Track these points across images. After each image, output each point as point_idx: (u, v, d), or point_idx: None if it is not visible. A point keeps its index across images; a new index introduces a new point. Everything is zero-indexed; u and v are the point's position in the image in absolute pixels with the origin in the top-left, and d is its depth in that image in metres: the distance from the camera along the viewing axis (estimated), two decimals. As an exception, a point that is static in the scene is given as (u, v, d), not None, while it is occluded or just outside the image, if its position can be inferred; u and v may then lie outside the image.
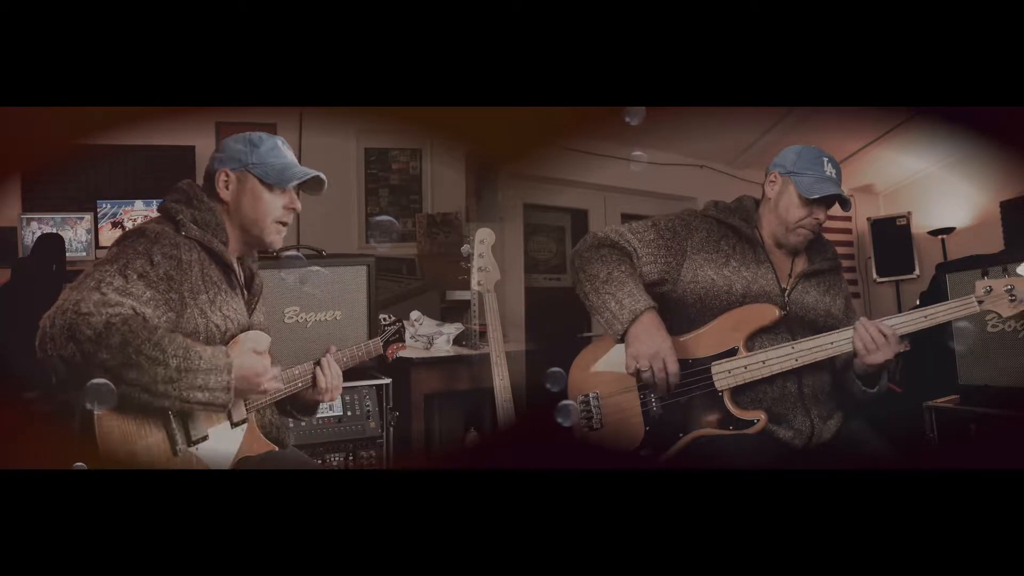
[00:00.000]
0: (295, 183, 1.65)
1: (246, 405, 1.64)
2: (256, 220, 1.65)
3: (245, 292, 1.71)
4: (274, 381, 1.58)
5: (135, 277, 1.44)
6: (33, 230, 4.30)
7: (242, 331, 1.63)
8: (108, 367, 1.34)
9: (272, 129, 4.68)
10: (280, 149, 1.67)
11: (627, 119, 1.90)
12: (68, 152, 4.03)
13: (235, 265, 1.65)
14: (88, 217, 4.44)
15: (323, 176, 1.68)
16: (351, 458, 2.54)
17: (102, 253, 4.49)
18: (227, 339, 1.58)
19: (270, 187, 1.64)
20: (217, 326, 1.56)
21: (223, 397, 1.45)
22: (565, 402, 1.86)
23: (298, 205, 1.67)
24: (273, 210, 1.65)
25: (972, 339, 1.67)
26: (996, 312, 1.72)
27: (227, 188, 1.64)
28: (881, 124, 3.76)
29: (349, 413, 2.56)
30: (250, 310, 1.71)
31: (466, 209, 4.44)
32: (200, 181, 1.68)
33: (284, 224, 1.68)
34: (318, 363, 1.76)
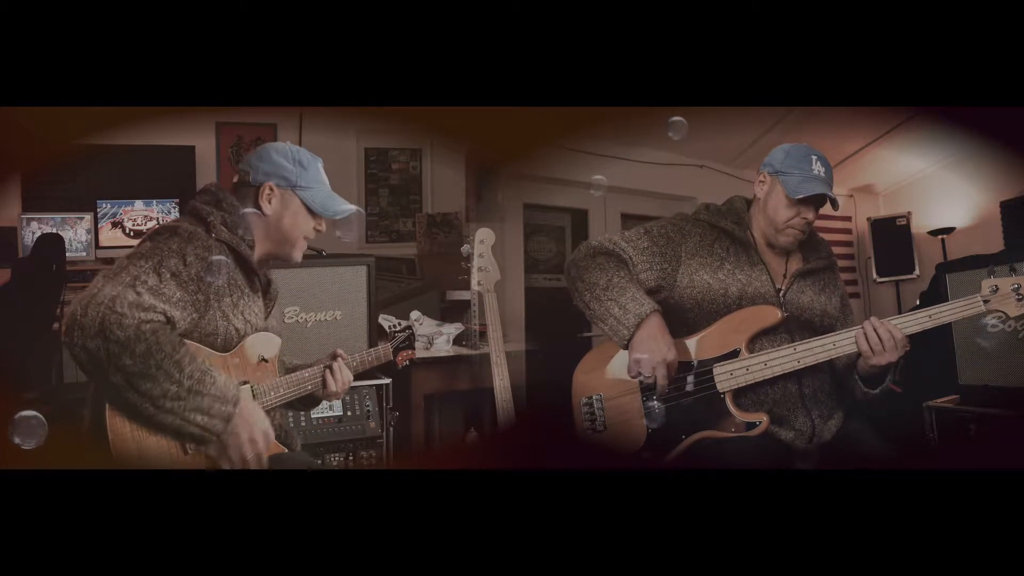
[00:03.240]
0: (338, 218, 1.71)
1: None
2: (291, 239, 1.70)
3: (262, 297, 1.73)
4: (264, 438, 1.57)
5: (168, 276, 1.46)
6: (33, 230, 4.30)
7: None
8: (128, 372, 1.37)
9: (272, 129, 4.71)
10: (321, 173, 1.73)
11: (670, 134, 1.90)
12: (68, 152, 4.03)
13: (258, 270, 1.69)
14: (88, 217, 4.44)
15: (362, 211, 1.72)
16: (351, 458, 2.54)
17: (102, 253, 4.49)
18: (242, 343, 1.62)
19: (311, 212, 1.69)
20: (237, 330, 1.60)
21: (219, 426, 1.47)
22: None
23: (323, 227, 1.73)
24: (308, 231, 1.71)
25: (999, 339, 1.66)
26: (1003, 312, 1.71)
27: (269, 203, 1.67)
28: (881, 124, 3.75)
29: (349, 413, 2.56)
30: (266, 314, 1.74)
31: (466, 209, 4.44)
32: (211, 179, 1.69)
33: (308, 241, 1.74)
34: (329, 367, 1.79)
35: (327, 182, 1.73)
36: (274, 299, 1.79)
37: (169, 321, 1.44)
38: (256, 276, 1.68)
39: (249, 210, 1.66)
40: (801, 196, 1.82)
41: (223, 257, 1.57)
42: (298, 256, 1.73)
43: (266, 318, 1.73)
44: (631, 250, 1.90)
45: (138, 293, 1.41)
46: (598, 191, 2.20)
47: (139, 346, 1.37)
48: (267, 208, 1.67)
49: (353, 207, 1.74)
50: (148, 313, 1.40)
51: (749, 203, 1.99)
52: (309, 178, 1.69)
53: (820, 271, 1.97)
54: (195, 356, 1.46)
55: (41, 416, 1.37)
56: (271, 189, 1.67)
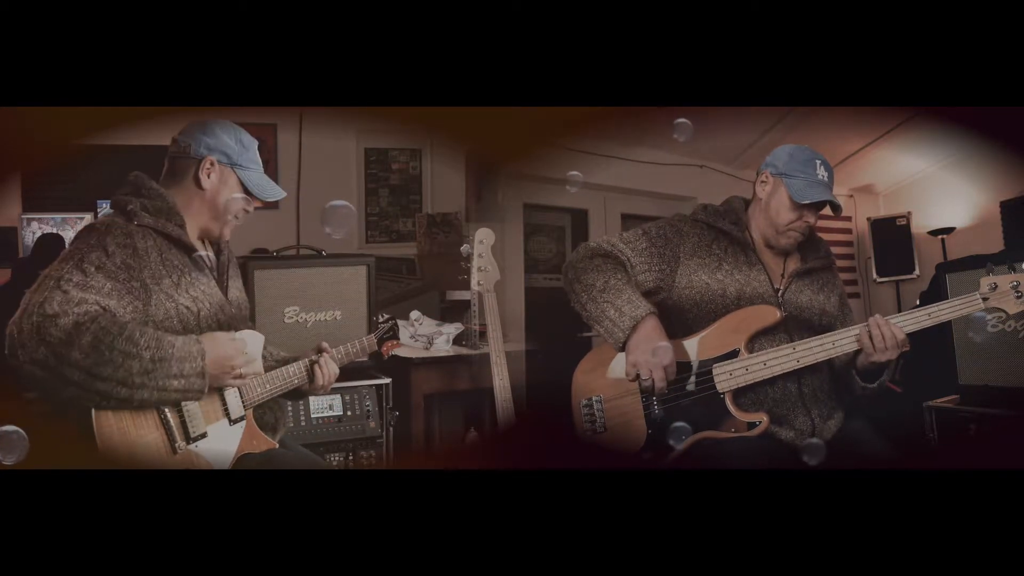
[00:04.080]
0: (270, 200, 1.74)
1: (243, 402, 1.65)
2: (224, 217, 1.70)
3: (214, 271, 1.72)
4: (251, 366, 1.60)
5: (93, 270, 1.46)
6: (33, 230, 4.30)
7: (217, 309, 1.64)
8: (82, 366, 1.36)
9: (272, 129, 4.70)
10: (257, 155, 1.76)
11: (675, 136, 1.90)
12: (68, 152, 4.03)
13: (198, 246, 1.67)
14: (88, 217, 4.44)
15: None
16: (351, 458, 2.54)
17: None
18: (201, 320, 1.60)
19: (247, 192, 1.71)
20: (188, 308, 1.58)
21: (198, 383, 1.48)
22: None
23: (251, 208, 1.74)
24: (238, 211, 1.72)
25: (995, 337, 1.65)
26: (1002, 309, 1.70)
27: (208, 176, 1.67)
28: (881, 124, 3.75)
29: (349, 413, 2.56)
30: (223, 288, 1.72)
31: (466, 209, 4.44)
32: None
33: (238, 220, 1.74)
34: (316, 362, 1.78)
35: (261, 165, 1.76)
36: (226, 271, 1.76)
37: (106, 311, 1.43)
38: (196, 253, 1.66)
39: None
40: (807, 202, 1.82)
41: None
42: (227, 234, 1.73)
43: (226, 293, 1.72)
44: (629, 252, 1.90)
45: (65, 292, 1.40)
46: (574, 187, 2.19)
47: (84, 338, 1.36)
48: (205, 182, 1.67)
49: (283, 193, 1.79)
50: (81, 307, 1.39)
51: (747, 203, 1.99)
52: (248, 158, 1.71)
53: (818, 271, 1.97)
54: (145, 328, 1.45)
55: (22, 431, 1.34)
56: (212, 164, 1.67)
